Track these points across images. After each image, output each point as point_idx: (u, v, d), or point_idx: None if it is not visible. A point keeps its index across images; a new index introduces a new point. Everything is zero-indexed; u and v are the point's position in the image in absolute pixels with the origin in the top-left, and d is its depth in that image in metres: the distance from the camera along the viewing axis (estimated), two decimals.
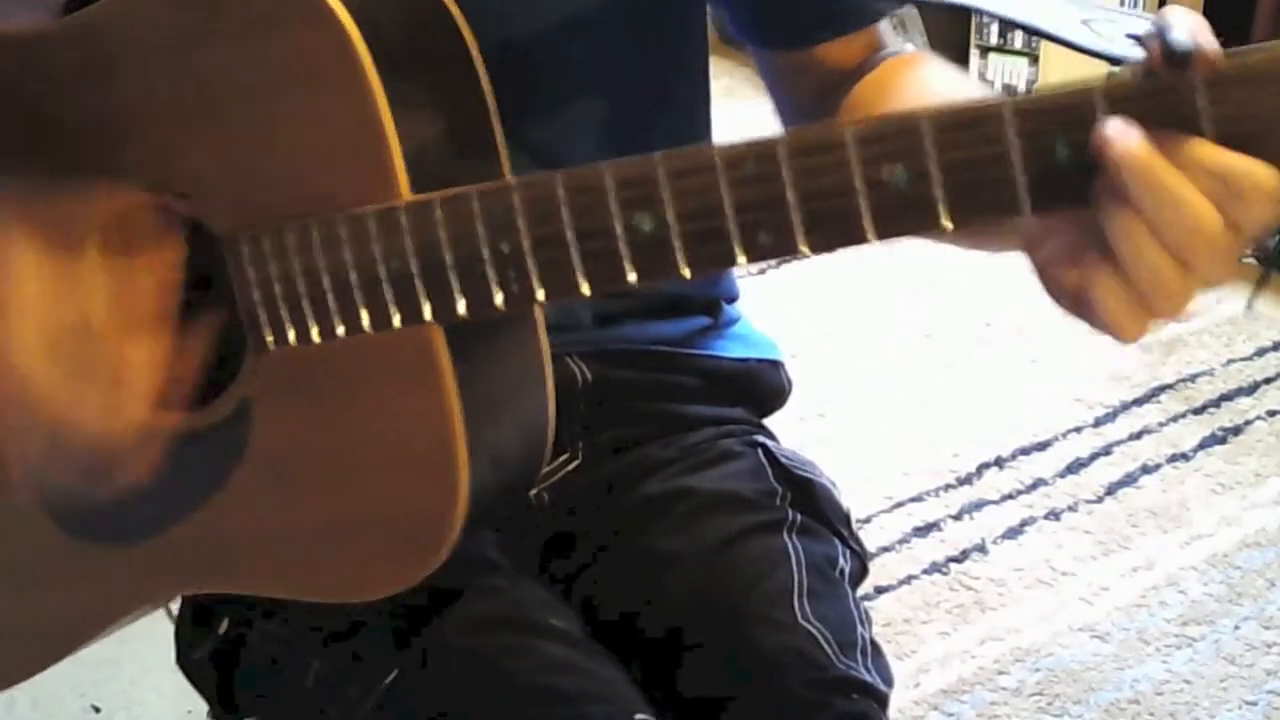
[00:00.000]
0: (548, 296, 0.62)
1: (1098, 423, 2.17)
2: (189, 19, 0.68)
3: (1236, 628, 1.76)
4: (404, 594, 0.72)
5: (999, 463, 2.09)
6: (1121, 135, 0.51)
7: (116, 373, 0.68)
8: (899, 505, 2.01)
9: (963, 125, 0.53)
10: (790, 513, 0.90)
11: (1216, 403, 2.20)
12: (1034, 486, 2.04)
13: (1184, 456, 2.08)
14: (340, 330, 0.67)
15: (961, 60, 3.25)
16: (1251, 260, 0.60)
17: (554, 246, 0.61)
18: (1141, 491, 2.01)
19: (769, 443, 0.95)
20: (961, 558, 1.90)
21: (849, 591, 0.89)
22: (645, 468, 0.91)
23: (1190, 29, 0.50)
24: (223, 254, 0.70)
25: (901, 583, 1.87)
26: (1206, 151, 0.50)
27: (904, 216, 0.55)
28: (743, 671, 0.81)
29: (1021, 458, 2.10)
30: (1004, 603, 1.83)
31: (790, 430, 1.02)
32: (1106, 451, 2.10)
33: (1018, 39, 3.26)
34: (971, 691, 1.69)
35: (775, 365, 1.00)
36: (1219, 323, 2.37)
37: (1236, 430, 2.13)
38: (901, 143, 0.54)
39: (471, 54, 0.69)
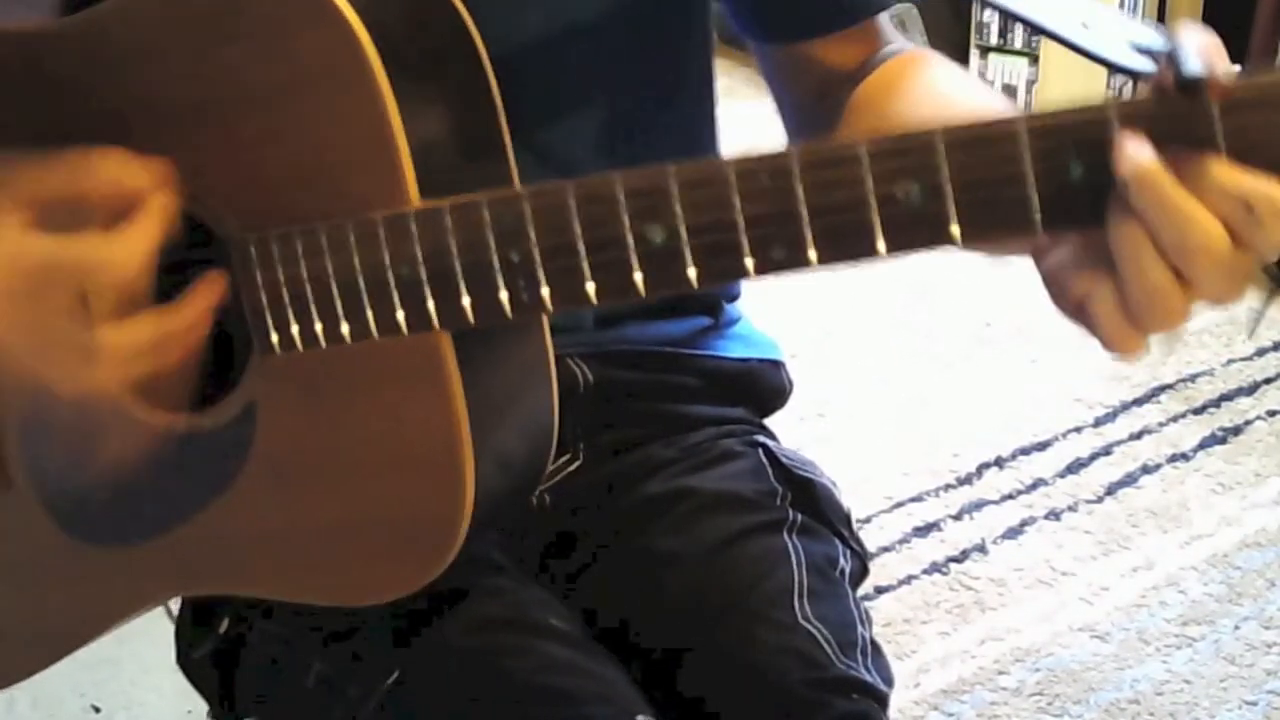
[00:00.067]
0: (557, 305, 0.62)
1: (1098, 423, 2.17)
2: (196, 21, 0.68)
3: (1236, 628, 1.76)
4: (406, 596, 0.72)
5: (999, 463, 2.09)
6: (1134, 152, 0.51)
7: (94, 338, 0.67)
8: (899, 505, 2.01)
9: (977, 144, 0.53)
10: (791, 513, 0.90)
11: (1216, 403, 2.20)
12: (1034, 486, 2.04)
13: (1184, 456, 2.08)
14: (346, 334, 0.67)
15: (961, 60, 3.24)
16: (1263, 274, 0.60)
17: (564, 256, 0.61)
18: (1141, 491, 2.01)
19: (770, 443, 0.95)
20: (961, 558, 1.90)
21: (849, 591, 0.89)
22: (646, 468, 0.91)
23: (1203, 51, 0.50)
24: (229, 255, 0.70)
25: (901, 583, 1.87)
26: (1224, 172, 0.50)
27: (916, 232, 0.55)
28: (743, 671, 0.81)
29: (1021, 458, 2.10)
30: (1004, 603, 1.83)
31: (790, 430, 1.02)
32: (1106, 451, 2.10)
33: (1018, 39, 3.26)
34: (971, 691, 1.69)
35: (776, 365, 1.00)
36: (1219, 323, 2.37)
37: (1236, 430, 2.13)
38: (915, 159, 0.54)
39: (480, 56, 0.69)
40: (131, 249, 0.67)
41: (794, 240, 0.56)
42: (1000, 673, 1.71)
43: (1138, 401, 2.21)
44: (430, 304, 0.64)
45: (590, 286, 0.61)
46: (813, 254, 0.56)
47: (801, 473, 0.93)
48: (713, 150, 0.92)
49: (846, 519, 0.95)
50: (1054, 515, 1.97)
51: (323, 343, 0.68)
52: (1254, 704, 1.65)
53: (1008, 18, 3.23)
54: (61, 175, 0.67)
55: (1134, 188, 0.51)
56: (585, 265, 0.60)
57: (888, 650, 0.90)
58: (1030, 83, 3.24)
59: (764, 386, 0.99)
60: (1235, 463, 2.06)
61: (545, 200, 0.61)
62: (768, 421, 0.99)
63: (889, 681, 0.86)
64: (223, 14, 0.67)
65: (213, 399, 0.73)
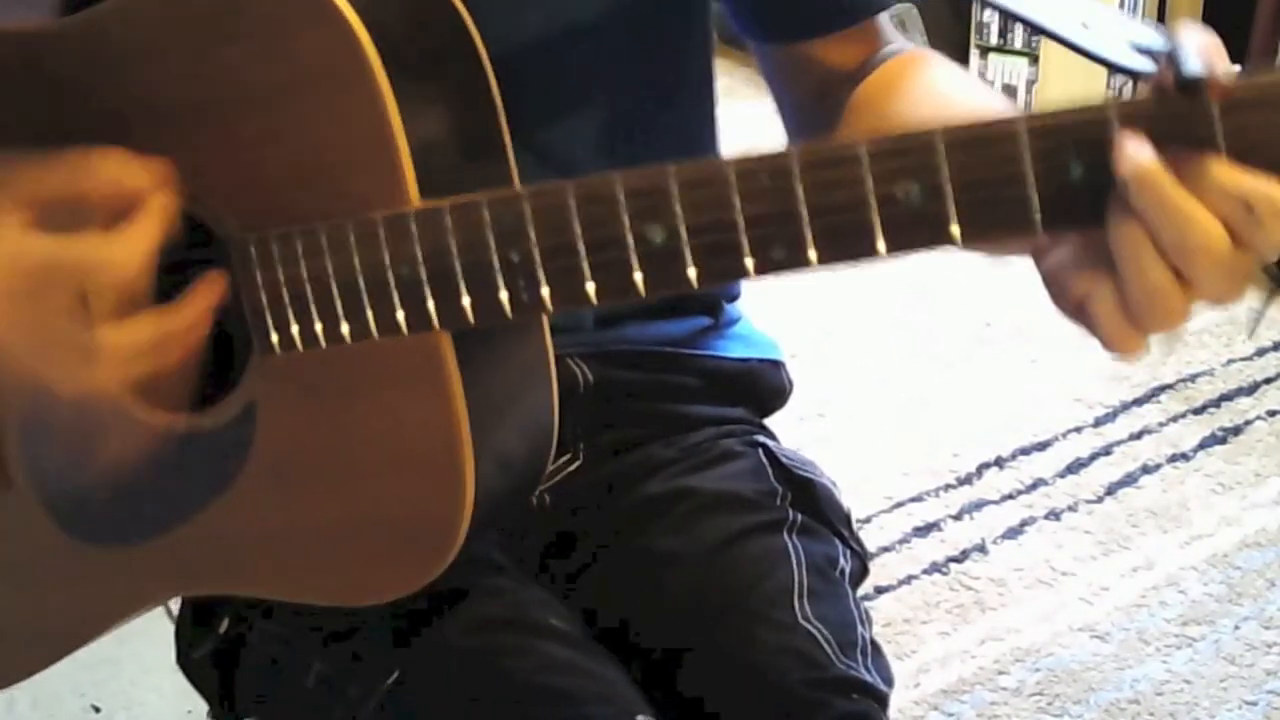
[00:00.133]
0: (557, 305, 0.62)
1: (1098, 423, 2.17)
2: (196, 20, 0.68)
3: (1236, 628, 1.76)
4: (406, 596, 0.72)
5: (999, 463, 2.09)
6: (1134, 152, 0.51)
7: (93, 337, 0.67)
8: (899, 505, 2.01)
9: (977, 144, 0.53)
10: (791, 513, 0.90)
11: (1216, 403, 2.20)
12: (1034, 486, 2.04)
13: (1184, 456, 2.08)
14: (347, 334, 0.67)
15: (961, 60, 3.24)
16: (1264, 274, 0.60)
17: (564, 256, 0.61)
18: (1141, 491, 2.01)
19: (769, 443, 0.95)
20: (961, 558, 1.90)
21: (849, 591, 0.89)
22: (646, 468, 0.91)
23: (1203, 51, 0.50)
24: (229, 255, 0.70)
25: (901, 583, 1.87)
26: (1224, 173, 0.51)
27: (916, 232, 0.55)
28: (743, 671, 0.81)
29: (1021, 458, 2.10)
30: (1004, 603, 1.83)
31: (790, 430, 1.02)
32: (1106, 451, 2.10)
33: (1018, 39, 3.26)
34: (971, 691, 1.69)
35: (776, 365, 1.00)
36: (1219, 323, 2.37)
37: (1236, 430, 2.13)
38: (916, 159, 0.54)
39: (480, 55, 0.69)
40: (131, 249, 0.66)
41: (794, 240, 0.56)
42: (1000, 673, 1.71)
43: (1138, 401, 2.21)
44: (430, 304, 0.64)
45: (590, 286, 0.61)
46: (813, 254, 0.56)
47: (801, 473, 0.93)
48: (713, 150, 0.92)
49: (846, 519, 0.95)
50: (1054, 515, 1.97)
51: (323, 343, 0.68)
52: (1254, 704, 1.65)
53: (1008, 18, 3.23)
54: (61, 175, 0.67)
55: (1134, 188, 0.51)
56: (585, 265, 0.60)
57: (888, 650, 0.90)
58: (1030, 83, 3.24)
59: (764, 386, 0.99)
60: (1235, 463, 2.06)
61: (545, 200, 0.61)
62: (768, 421, 0.99)
63: (889, 681, 0.86)
64: (223, 14, 0.67)
65: (213, 399, 0.73)
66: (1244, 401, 2.20)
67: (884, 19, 0.85)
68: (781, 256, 0.57)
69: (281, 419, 0.72)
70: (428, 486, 0.69)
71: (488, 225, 0.62)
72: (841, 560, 0.90)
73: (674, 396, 0.93)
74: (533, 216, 0.61)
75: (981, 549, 1.92)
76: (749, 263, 0.58)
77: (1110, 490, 2.02)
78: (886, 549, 1.92)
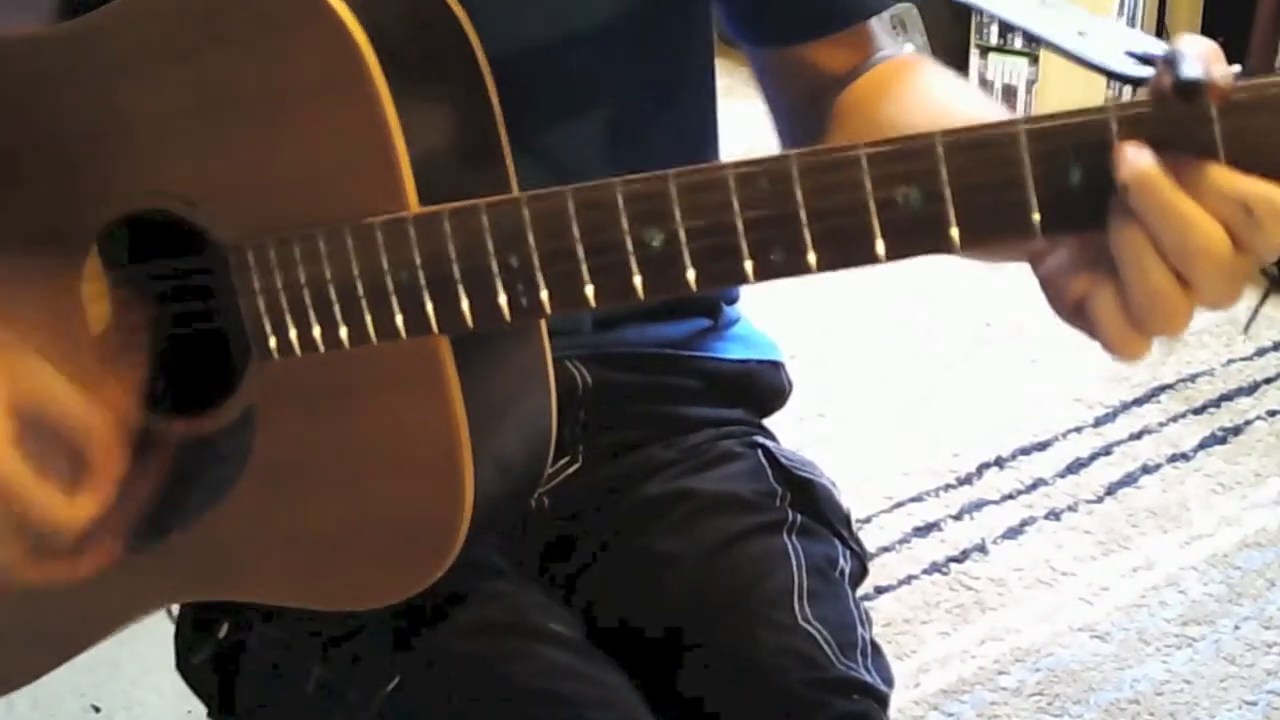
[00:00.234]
0: (555, 309, 0.62)
1: (1098, 423, 2.17)
2: (192, 25, 0.68)
3: (1236, 628, 1.76)
4: (406, 599, 0.72)
5: (999, 463, 2.09)
6: (1133, 157, 0.51)
7: (81, 470, 0.68)
8: (899, 505, 2.01)
9: (976, 148, 0.53)
10: (790, 513, 0.90)
11: (1216, 403, 2.20)
12: (1034, 486, 2.04)
13: (1184, 456, 2.08)
14: (345, 339, 0.67)
15: (961, 60, 3.24)
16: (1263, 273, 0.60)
17: (563, 260, 0.61)
18: (1141, 491, 2.01)
19: (769, 443, 0.95)
20: (961, 558, 1.90)
21: (849, 592, 0.89)
22: (645, 470, 0.91)
23: (1201, 56, 0.50)
24: (226, 261, 0.69)
25: (901, 583, 1.86)
26: (1224, 176, 0.51)
27: (916, 237, 0.55)
28: (743, 672, 0.81)
29: (1021, 458, 2.10)
30: (1004, 603, 1.82)
31: (790, 430, 1.02)
32: (1106, 451, 2.10)
33: (1018, 39, 3.26)
34: (971, 691, 1.69)
35: (775, 366, 1.00)
36: (1219, 323, 2.37)
37: (1236, 430, 2.13)
38: (915, 164, 0.54)
39: (478, 59, 0.69)
40: (79, 516, 0.68)
41: (793, 244, 0.56)
42: (1000, 673, 1.71)
43: (1138, 401, 2.21)
44: (429, 309, 0.64)
45: (589, 290, 0.61)
46: (812, 258, 0.56)
47: (801, 473, 0.93)
48: (713, 151, 0.92)
49: (846, 519, 0.95)
50: (1054, 515, 1.97)
51: (321, 348, 0.68)
52: (1254, 704, 1.65)
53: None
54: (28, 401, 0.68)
55: (1134, 192, 0.51)
56: (584, 269, 0.60)
57: (888, 650, 0.90)
58: (1030, 83, 3.23)
59: (763, 387, 0.99)
60: (1235, 463, 2.06)
61: (544, 205, 0.61)
62: (768, 422, 0.99)
63: (889, 682, 0.86)
64: (219, 17, 0.67)
65: (212, 404, 0.73)
66: (1244, 401, 2.20)
67: (876, 24, 0.85)
68: (781, 260, 0.57)
69: (280, 424, 0.71)
70: (427, 489, 0.69)
71: (486, 230, 0.62)
72: (841, 561, 0.90)
73: (673, 398, 0.93)
74: (532, 221, 0.61)
75: (981, 549, 1.92)
76: (748, 267, 0.57)
77: (1110, 490, 2.02)
78: (886, 549, 1.92)
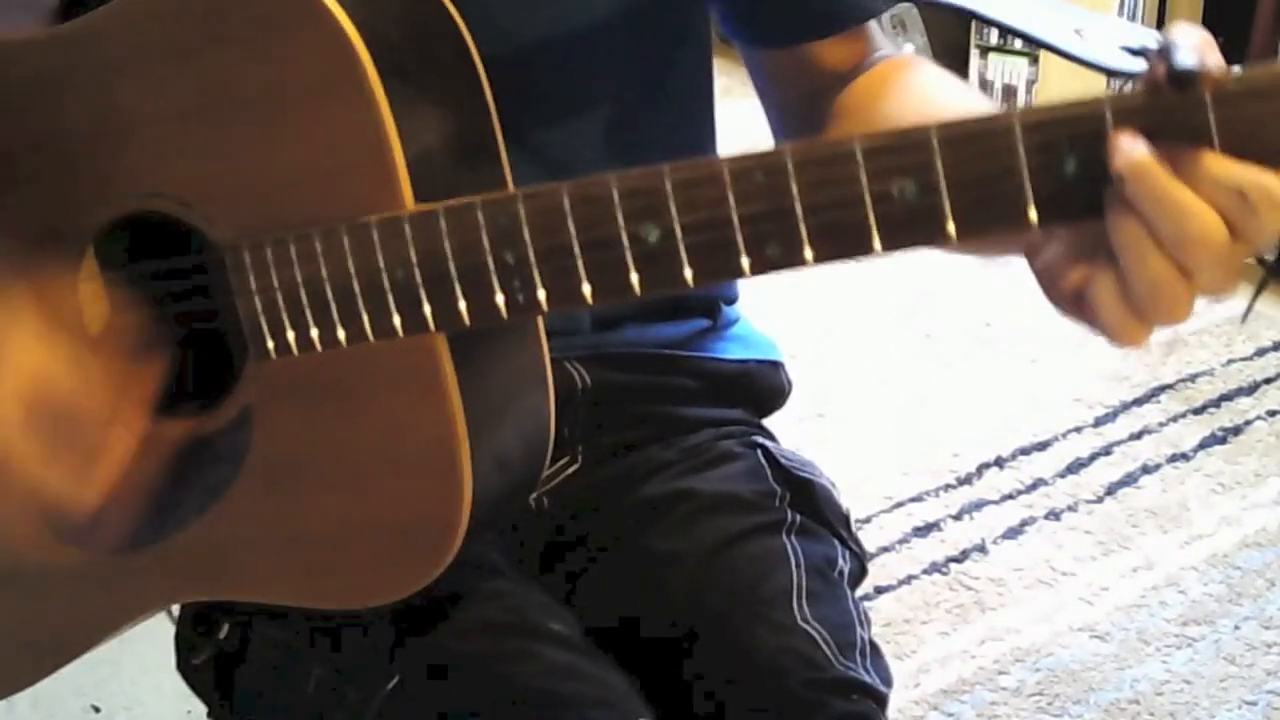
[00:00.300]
0: (552, 306, 0.62)
1: (1098, 423, 2.17)
2: (190, 25, 0.68)
3: (1236, 628, 1.76)
4: (405, 598, 0.72)
5: (999, 463, 2.09)
6: (1128, 146, 0.51)
7: (91, 450, 0.69)
8: (899, 505, 2.01)
9: (971, 139, 0.53)
10: (790, 514, 0.90)
11: (1216, 403, 2.20)
12: (1034, 486, 2.03)
13: (1184, 456, 2.08)
14: (343, 338, 0.67)
15: (961, 60, 3.24)
16: (1253, 263, 0.60)
17: (559, 257, 0.61)
18: (1141, 491, 2.01)
19: (768, 444, 0.95)
20: (961, 558, 1.90)
21: (848, 592, 0.89)
22: (645, 470, 0.91)
23: (1196, 47, 0.50)
24: (223, 261, 0.69)
25: (901, 583, 1.86)
26: (1218, 164, 0.51)
27: (911, 229, 0.55)
28: (742, 672, 0.81)
29: (1021, 458, 2.10)
30: (1004, 603, 1.82)
31: (790, 430, 1.02)
32: (1106, 451, 2.10)
33: (1018, 39, 3.26)
34: (971, 691, 1.69)
35: (775, 366, 1.00)
36: (1219, 323, 2.37)
37: (1236, 430, 2.13)
38: (910, 156, 0.54)
39: (474, 59, 0.69)
40: (92, 492, 0.68)
41: (789, 238, 0.56)
42: (1000, 673, 1.71)
43: (1138, 401, 2.21)
44: (426, 307, 0.64)
45: (586, 288, 0.61)
46: (808, 252, 0.56)
47: (800, 473, 0.93)
48: (710, 151, 0.92)
49: (845, 520, 0.95)
50: (1054, 515, 1.97)
51: (319, 347, 0.68)
52: (1254, 704, 1.65)
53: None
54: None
55: (1129, 182, 0.51)
56: (581, 266, 0.60)
57: (887, 650, 0.90)
58: (1030, 83, 3.23)
59: (762, 387, 0.99)
60: (1235, 463, 2.06)
61: (539, 202, 0.61)
62: (767, 422, 0.99)
63: (888, 682, 0.86)
64: (215, 17, 0.67)
65: (210, 404, 0.73)
66: (1244, 401, 2.20)
67: (873, 23, 0.85)
68: (777, 254, 0.57)
69: (279, 423, 0.71)
70: (426, 488, 0.69)
71: (482, 228, 0.62)
72: (840, 561, 0.90)
73: (672, 398, 0.93)
74: (527, 218, 0.61)
75: (981, 549, 1.92)
76: (745, 261, 0.57)
77: (1110, 490, 2.02)
78: (886, 549, 1.92)
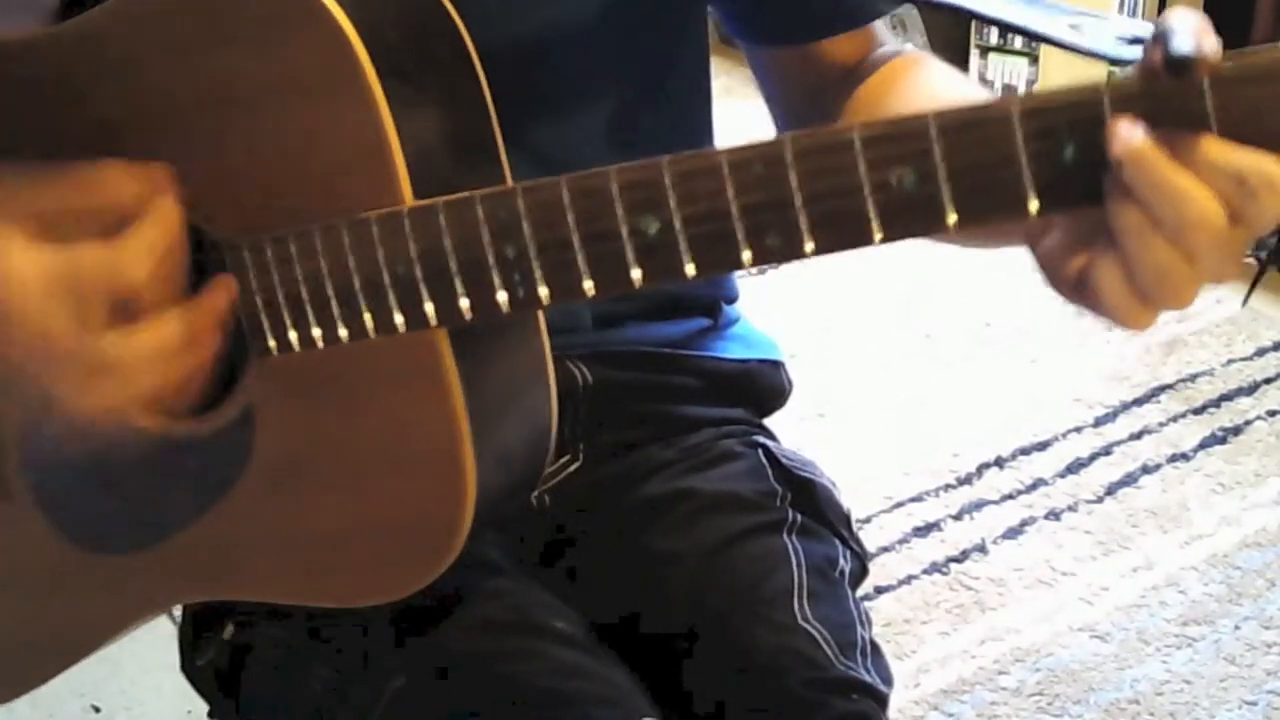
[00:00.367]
0: (553, 300, 0.62)
1: (1098, 423, 2.17)
2: (189, 25, 0.68)
3: (1236, 628, 1.76)
4: (408, 597, 0.72)
5: (999, 463, 2.09)
6: (1126, 132, 0.51)
7: (104, 349, 0.66)
8: (899, 505, 2.01)
9: (969, 127, 0.53)
10: (790, 513, 0.90)
11: (1216, 403, 2.20)
12: (1034, 486, 2.04)
13: (1184, 456, 2.08)
14: (344, 335, 0.67)
15: (961, 60, 3.24)
16: (1251, 259, 0.60)
17: (559, 250, 0.61)
18: (1141, 491, 2.01)
19: (769, 443, 0.95)
20: (961, 558, 1.90)
21: (849, 592, 0.89)
22: (645, 469, 0.91)
23: (1192, 32, 0.50)
24: (223, 259, 0.69)
25: (901, 583, 1.86)
26: (1217, 149, 0.51)
27: (911, 218, 0.55)
28: (743, 672, 0.81)
29: (1021, 458, 2.10)
30: (1004, 603, 1.82)
31: (790, 430, 1.02)
32: (1106, 451, 2.10)
33: (1018, 39, 3.26)
34: (971, 691, 1.69)
35: (775, 365, 1.00)
36: (1219, 323, 2.37)
37: (1236, 430, 2.13)
38: (908, 145, 0.54)
39: (471, 56, 0.69)
40: (135, 254, 0.66)
41: (789, 228, 0.56)
42: (1000, 673, 1.71)
43: (1138, 401, 2.21)
44: (427, 303, 0.64)
45: (587, 282, 0.61)
46: (808, 242, 0.56)
47: (801, 473, 0.93)
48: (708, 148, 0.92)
49: (846, 519, 0.95)
50: (1054, 515, 1.97)
51: (320, 344, 0.68)
52: (1254, 704, 1.65)
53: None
54: (60, 188, 0.67)
55: (1128, 168, 0.51)
56: (581, 259, 0.60)
57: (888, 650, 0.90)
58: (1030, 82, 3.23)
59: (763, 387, 0.99)
60: (1235, 463, 2.06)
61: (539, 195, 0.61)
62: (768, 421, 0.99)
63: (888, 682, 0.86)
64: (214, 16, 0.67)
65: (211, 404, 0.73)
66: (1244, 401, 2.20)
67: (879, 21, 0.85)
68: (777, 245, 0.57)
69: (280, 422, 0.71)
70: (428, 485, 0.69)
71: (482, 222, 0.62)
72: (841, 561, 0.90)
73: (673, 397, 0.93)
74: (527, 212, 0.61)
75: (981, 549, 1.92)
76: (745, 253, 0.57)
77: (1110, 490, 2.02)
78: (886, 549, 1.92)
